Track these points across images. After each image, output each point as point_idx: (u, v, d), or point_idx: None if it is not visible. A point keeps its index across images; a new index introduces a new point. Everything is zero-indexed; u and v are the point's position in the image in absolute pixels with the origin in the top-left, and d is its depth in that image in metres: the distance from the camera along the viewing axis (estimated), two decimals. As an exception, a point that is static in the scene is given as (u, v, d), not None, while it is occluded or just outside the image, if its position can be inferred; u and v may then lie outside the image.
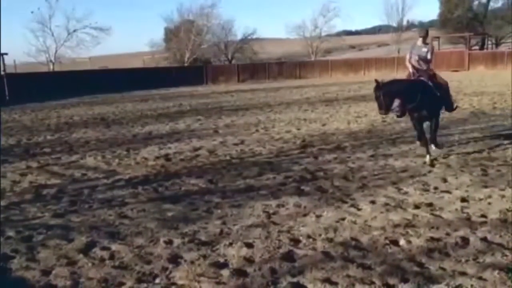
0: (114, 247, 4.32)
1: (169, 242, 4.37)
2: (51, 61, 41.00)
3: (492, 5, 47.65)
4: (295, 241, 4.29)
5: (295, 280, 3.57)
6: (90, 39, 42.70)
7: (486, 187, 5.68)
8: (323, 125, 11.35)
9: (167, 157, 8.36)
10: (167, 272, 3.78)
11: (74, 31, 41.60)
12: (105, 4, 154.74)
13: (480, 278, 3.45)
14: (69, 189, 6.43)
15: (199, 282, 3.59)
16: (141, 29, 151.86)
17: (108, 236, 4.58)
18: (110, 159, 8.43)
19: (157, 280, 3.66)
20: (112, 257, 4.12)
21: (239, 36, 50.61)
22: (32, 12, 46.77)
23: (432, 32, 46.27)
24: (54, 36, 40.83)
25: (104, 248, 4.30)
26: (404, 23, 54.14)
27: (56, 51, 41.20)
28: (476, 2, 48.30)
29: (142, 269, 3.85)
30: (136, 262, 3.97)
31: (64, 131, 12.32)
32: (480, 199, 5.23)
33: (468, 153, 7.50)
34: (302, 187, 6.06)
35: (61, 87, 27.09)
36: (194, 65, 41.49)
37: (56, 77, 30.85)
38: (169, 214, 5.20)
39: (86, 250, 4.28)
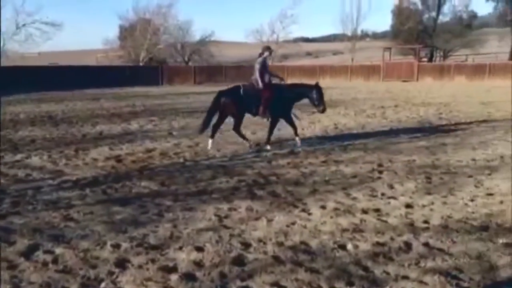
0: (58, 250, 4.16)
1: (117, 246, 4.26)
2: (-3, 54, 39.17)
3: (441, 18, 50.07)
4: (246, 245, 4.30)
5: (244, 284, 3.57)
6: (40, 34, 41.22)
7: (429, 194, 5.92)
8: (278, 130, 11.44)
9: (118, 158, 8.17)
10: (113, 277, 3.68)
11: (23, 25, 40.03)
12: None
13: (421, 282, 3.58)
14: (12, 190, 6.13)
15: (146, 286, 3.52)
16: (94, 26, 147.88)
17: (52, 239, 4.41)
18: (57, 159, 8.13)
19: (102, 285, 3.56)
20: (55, 261, 3.97)
21: (196, 38, 50.32)
22: (-22, 3, 44.57)
23: (385, 43, 48.03)
24: (1, 30, 39.07)
25: (47, 252, 4.14)
26: (358, 32, 55.70)
27: (3, 44, 39.43)
28: (426, 16, 50.57)
29: (87, 273, 3.73)
30: (81, 266, 3.85)
31: (9, 129, 11.77)
32: (424, 206, 5.44)
33: (414, 161, 7.81)
34: (255, 191, 6.08)
35: (7, 82, 25.95)
36: (150, 65, 40.86)
37: (2, 72, 29.48)
38: (118, 217, 5.07)
39: (28, 253, 4.10)
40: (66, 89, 26.10)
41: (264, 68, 8.94)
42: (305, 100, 9.16)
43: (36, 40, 41.92)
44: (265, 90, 8.79)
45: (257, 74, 8.87)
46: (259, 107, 8.81)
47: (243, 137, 9.12)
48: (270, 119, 9.14)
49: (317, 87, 8.95)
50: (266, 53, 9.10)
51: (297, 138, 9.09)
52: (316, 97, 8.92)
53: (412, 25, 48.55)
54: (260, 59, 8.99)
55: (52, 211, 5.26)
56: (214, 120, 9.01)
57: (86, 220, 4.96)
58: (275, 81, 9.30)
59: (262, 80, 8.86)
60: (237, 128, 9.08)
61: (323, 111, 9.14)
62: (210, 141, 8.98)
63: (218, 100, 8.87)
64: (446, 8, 49.79)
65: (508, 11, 45.32)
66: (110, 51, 50.00)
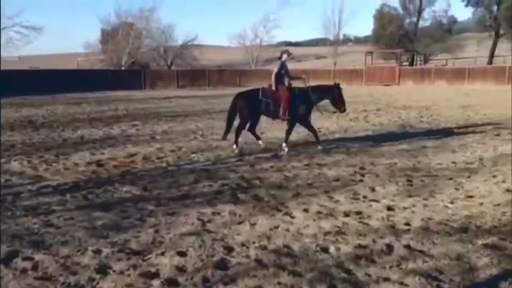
0: (37, 257, 4.09)
1: (98, 252, 4.21)
2: (-25, 58, 38.37)
3: (422, 23, 50.84)
4: (229, 249, 4.29)
5: (227, 288, 3.56)
6: (20, 38, 40.55)
7: (410, 196, 5.99)
8: (261, 133, 11.46)
9: (99, 163, 8.08)
10: (94, 283, 3.64)
11: (3, 28, 39.36)
12: (38, 2, 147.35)
13: (402, 283, 3.62)
14: (-10, 196, 6.03)
15: (128, 292, 3.49)
16: (75, 30, 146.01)
17: (32, 245, 4.34)
18: (37, 164, 8.01)
19: (83, 292, 3.51)
20: (35, 267, 3.90)
21: (179, 42, 50.06)
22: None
23: (366, 48, 48.60)
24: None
25: (26, 258, 4.07)
26: (341, 37, 56.17)
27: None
28: (407, 20, 51.29)
29: (67, 280, 3.68)
30: (60, 273, 3.79)
31: (-13, 134, 11.55)
32: (405, 208, 5.51)
33: (396, 164, 7.90)
34: (238, 195, 6.08)
35: (-14, 86, 25.43)
36: (132, 69, 40.53)
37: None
38: (99, 222, 5.01)
39: (7, 260, 4.03)
40: (47, 93, 25.74)
41: (280, 72, 9.00)
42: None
43: (16, 44, 41.16)
44: (280, 91, 8.87)
45: (272, 78, 8.97)
46: (279, 109, 8.88)
47: (236, 141, 9.04)
48: (289, 121, 9.20)
49: (336, 87, 9.05)
50: (284, 56, 9.17)
51: (284, 145, 9.11)
52: (337, 97, 9.04)
53: (393, 29, 49.20)
54: (278, 63, 9.09)
55: (32, 217, 5.18)
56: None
57: (66, 226, 4.89)
58: (301, 84, 9.29)
59: (276, 84, 8.94)
60: (239, 130, 9.06)
61: (343, 110, 9.27)
62: (260, 141, 9.35)
63: (236, 101, 8.97)
64: (426, 13, 50.63)
65: (487, 16, 46.26)
66: (91, 54, 49.36)
